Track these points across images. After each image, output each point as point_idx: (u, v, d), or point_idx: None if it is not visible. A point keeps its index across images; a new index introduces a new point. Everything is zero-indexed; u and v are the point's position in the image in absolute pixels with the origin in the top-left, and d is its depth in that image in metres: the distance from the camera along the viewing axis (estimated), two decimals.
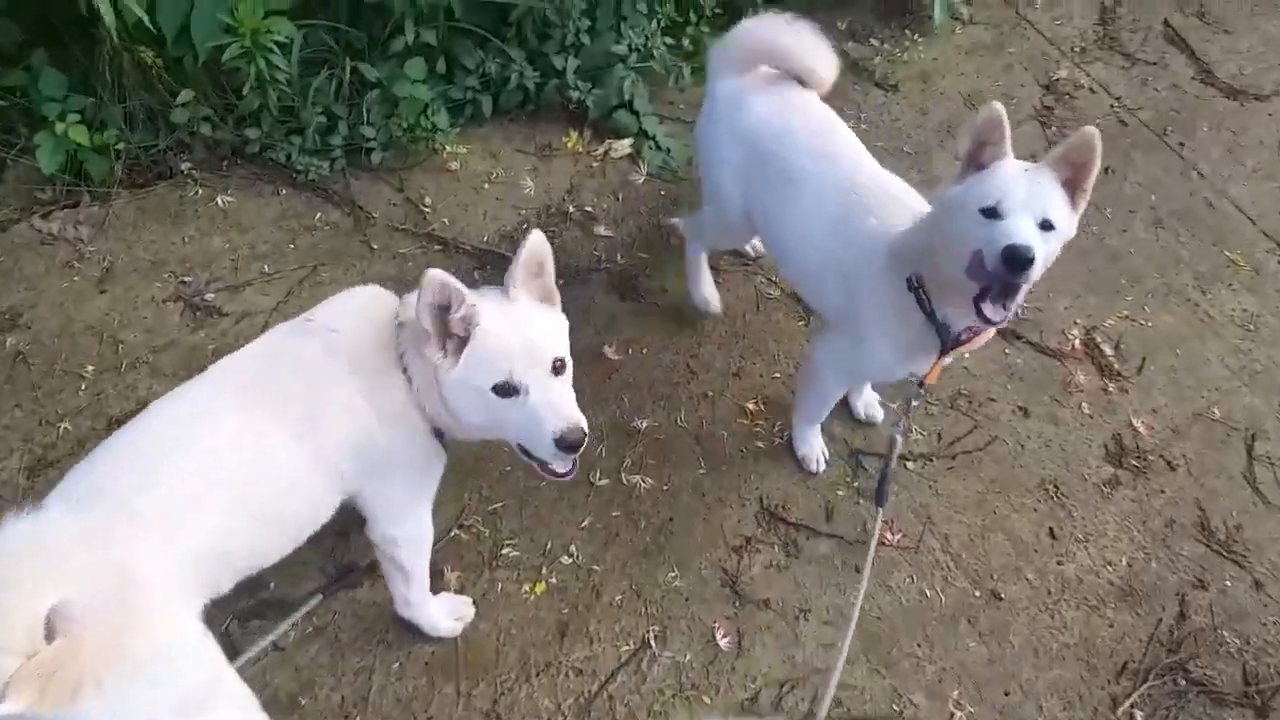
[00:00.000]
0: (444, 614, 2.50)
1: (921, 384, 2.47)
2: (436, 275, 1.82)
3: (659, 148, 3.84)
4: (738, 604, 2.72)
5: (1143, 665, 2.76)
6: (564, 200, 3.66)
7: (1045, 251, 2.14)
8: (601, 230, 3.57)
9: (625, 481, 2.89)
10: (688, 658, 2.61)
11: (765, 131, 2.70)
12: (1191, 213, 4.06)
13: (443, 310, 1.86)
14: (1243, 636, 2.87)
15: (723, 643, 2.64)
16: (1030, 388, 3.34)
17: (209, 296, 3.19)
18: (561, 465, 2.01)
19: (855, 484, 3.00)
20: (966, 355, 3.04)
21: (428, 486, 2.21)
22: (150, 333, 3.08)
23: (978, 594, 2.84)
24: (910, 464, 3.07)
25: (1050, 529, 3.00)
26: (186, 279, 3.23)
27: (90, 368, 2.94)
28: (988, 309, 2.19)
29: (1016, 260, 2.05)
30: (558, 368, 1.96)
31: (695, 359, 3.21)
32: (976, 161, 2.24)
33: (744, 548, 2.83)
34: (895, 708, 2.59)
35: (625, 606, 2.67)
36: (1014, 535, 2.97)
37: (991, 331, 2.42)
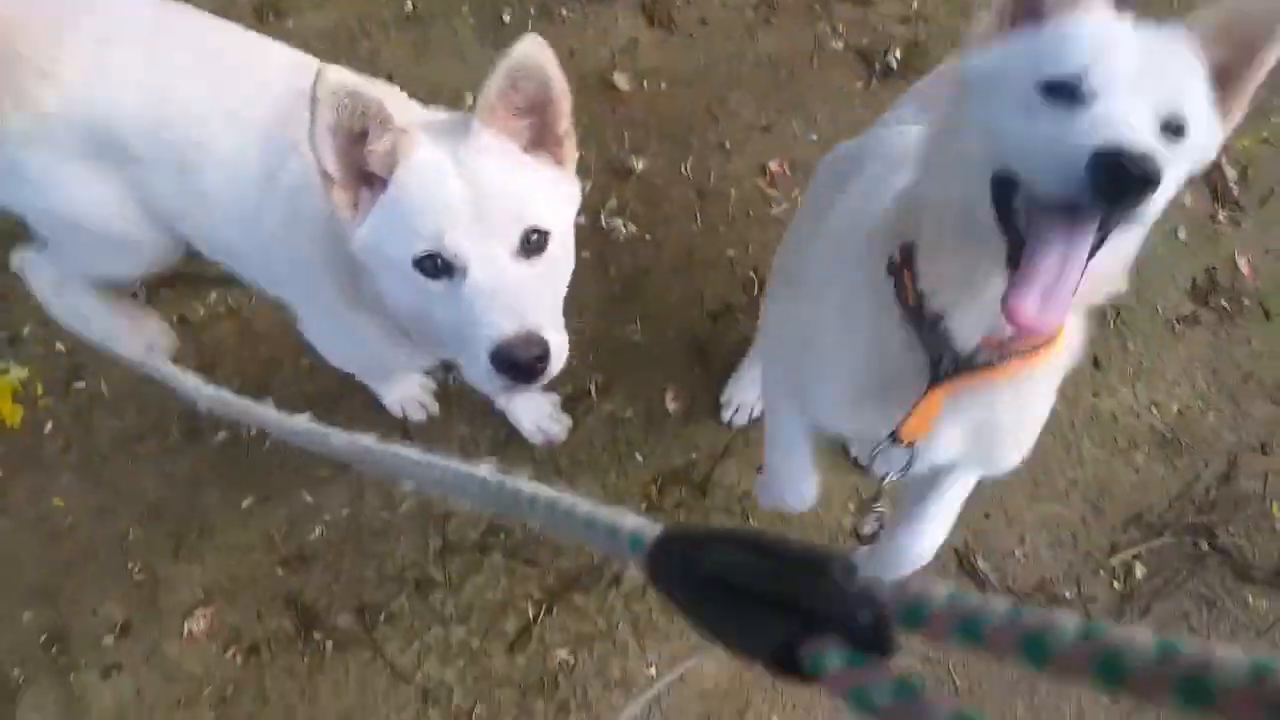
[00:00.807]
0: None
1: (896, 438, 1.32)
2: (336, 82, 1.21)
3: None
4: (698, 371, 2.43)
5: (1162, 519, 2.37)
6: None
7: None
8: None
9: (604, 224, 2.59)
10: (629, 414, 2.36)
11: None
12: None
13: (354, 139, 1.27)
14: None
15: (671, 406, 2.38)
16: None
17: None
18: (500, 392, 1.50)
19: None
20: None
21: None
22: None
23: None
24: None
25: (1095, 358, 2.57)
26: None
27: None
28: (1024, 296, 1.01)
29: (1122, 177, 0.94)
30: (530, 246, 1.34)
31: (721, 104, 2.81)
32: (1028, 13, 1.14)
33: (722, 314, 2.51)
34: None
35: (573, 351, 2.42)
36: None
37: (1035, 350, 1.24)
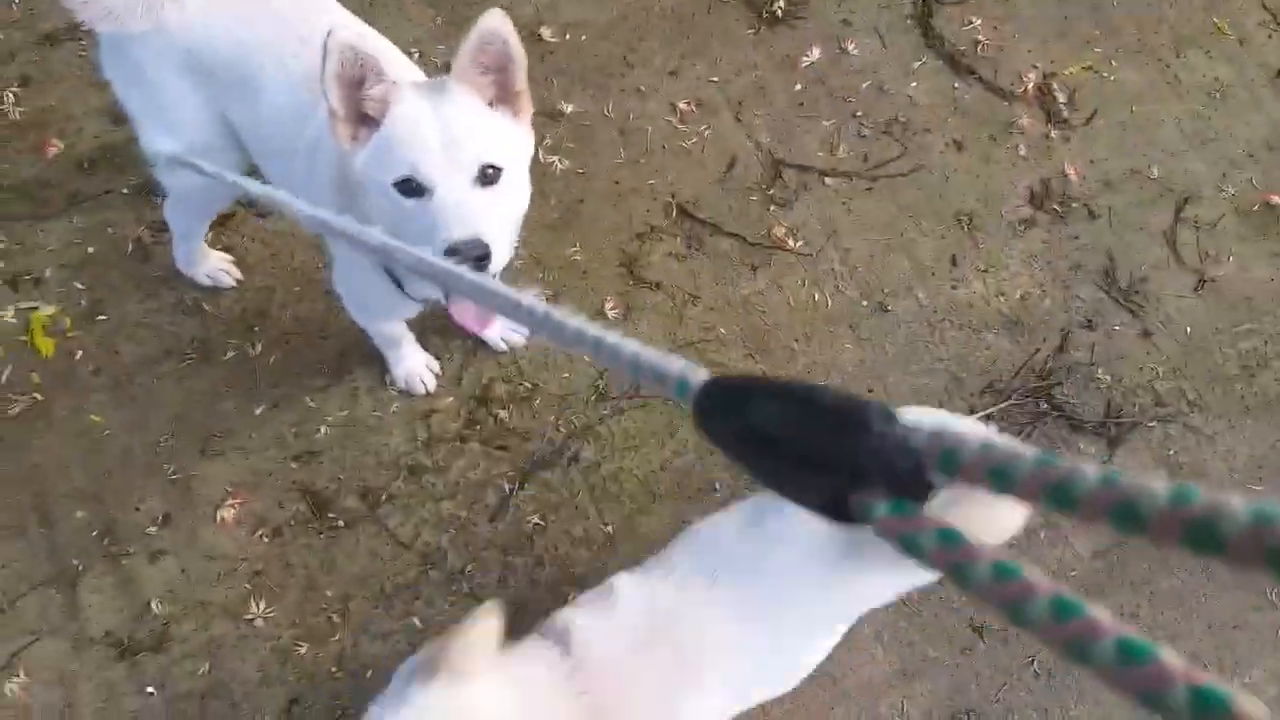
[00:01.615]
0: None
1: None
2: (342, 40, 1.55)
3: None
4: (631, 283, 2.87)
5: (1009, 386, 2.92)
6: None
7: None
8: None
9: (542, 159, 2.98)
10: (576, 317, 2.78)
11: None
12: None
13: (354, 85, 1.62)
14: (1115, 376, 3.01)
15: (610, 313, 2.81)
16: (970, 124, 3.34)
17: None
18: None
19: (770, 191, 3.08)
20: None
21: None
22: None
23: (865, 304, 2.97)
24: (829, 180, 3.14)
25: (953, 256, 3.10)
26: None
27: None
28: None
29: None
30: (486, 178, 1.67)
31: (634, 52, 3.22)
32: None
33: (648, 234, 2.95)
34: None
35: (523, 271, 2.83)
36: (915, 258, 3.07)
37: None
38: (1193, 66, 3.64)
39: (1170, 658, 0.40)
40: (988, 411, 2.86)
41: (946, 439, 0.51)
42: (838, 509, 0.54)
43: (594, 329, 0.85)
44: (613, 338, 0.82)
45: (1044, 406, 2.92)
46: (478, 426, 2.60)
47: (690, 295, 2.88)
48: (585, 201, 2.96)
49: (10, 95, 2.77)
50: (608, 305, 2.82)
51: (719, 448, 0.62)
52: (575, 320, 0.88)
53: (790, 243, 3.02)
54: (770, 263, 2.98)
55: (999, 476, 0.47)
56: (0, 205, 2.64)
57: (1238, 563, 0.38)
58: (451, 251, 1.57)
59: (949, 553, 0.48)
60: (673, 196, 3.02)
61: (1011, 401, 2.90)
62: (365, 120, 1.66)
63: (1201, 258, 3.28)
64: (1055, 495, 0.45)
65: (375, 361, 2.59)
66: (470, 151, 1.65)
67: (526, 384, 2.67)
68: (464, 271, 1.18)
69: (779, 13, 3.37)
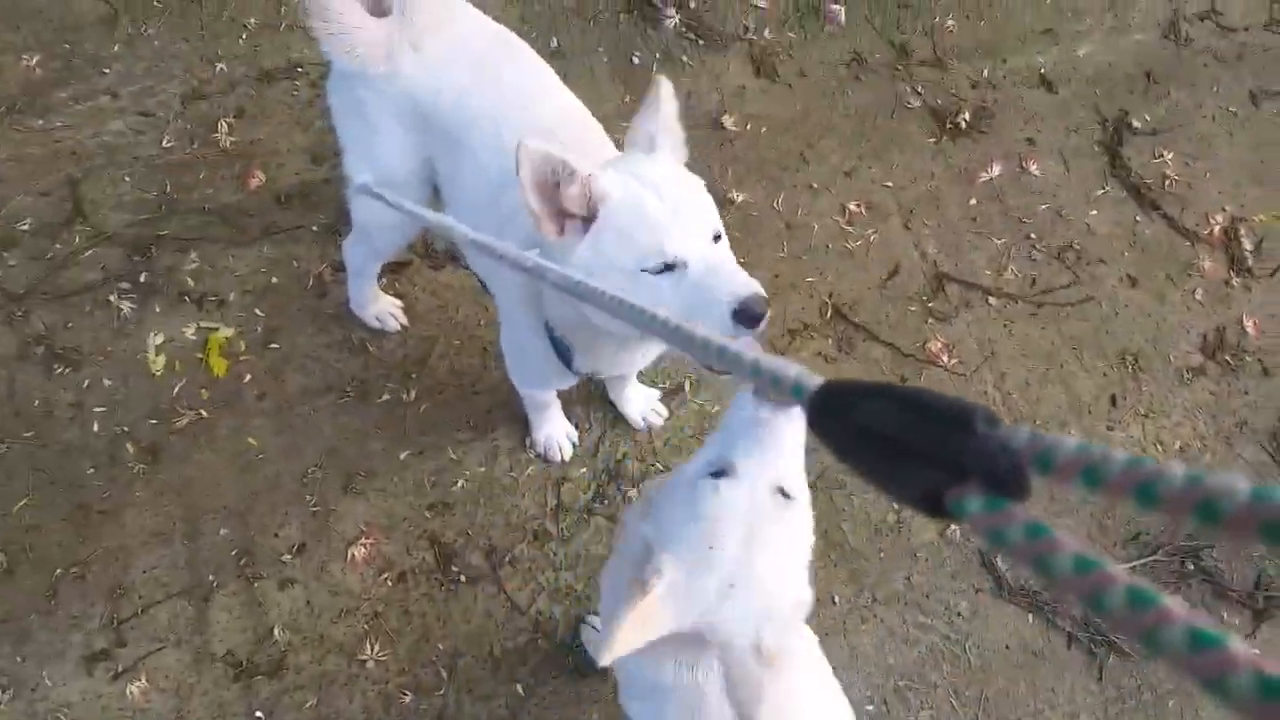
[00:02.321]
0: None
1: None
2: (532, 149, 1.54)
3: None
4: None
5: (1157, 540, 2.75)
6: None
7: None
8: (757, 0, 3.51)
9: None
10: (715, 409, 2.75)
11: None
12: None
13: (551, 188, 1.59)
14: (1274, 549, 2.80)
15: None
16: (1148, 260, 3.20)
17: None
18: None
19: (930, 304, 3.00)
20: None
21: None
22: None
23: None
24: (993, 299, 3.03)
25: (1113, 396, 2.95)
26: None
27: (254, 20, 3.17)
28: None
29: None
30: (717, 238, 1.63)
31: (812, 149, 3.20)
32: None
33: (800, 331, 2.90)
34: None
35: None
36: (1073, 392, 2.93)
37: None
38: None
39: (1238, 645, 0.41)
40: (1131, 565, 2.70)
41: (1045, 439, 0.52)
42: (934, 504, 0.56)
43: (718, 338, 0.88)
44: (734, 346, 0.85)
45: (1190, 567, 2.73)
46: (605, 500, 2.59)
47: None
48: None
49: (225, 125, 2.93)
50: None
51: (828, 446, 0.64)
52: (700, 331, 0.91)
53: (945, 359, 2.92)
54: (921, 376, 2.89)
55: (1091, 475, 0.49)
56: (201, 227, 2.78)
57: None
58: (743, 311, 1.50)
59: (1034, 545, 0.50)
60: (830, 296, 2.97)
61: (1156, 558, 2.72)
62: (567, 215, 1.64)
63: None
64: (1143, 492, 0.46)
65: (519, 423, 2.61)
66: (700, 216, 1.61)
67: (659, 464, 2.64)
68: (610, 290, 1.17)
69: (963, 124, 3.30)
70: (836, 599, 2.55)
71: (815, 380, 0.71)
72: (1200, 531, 0.58)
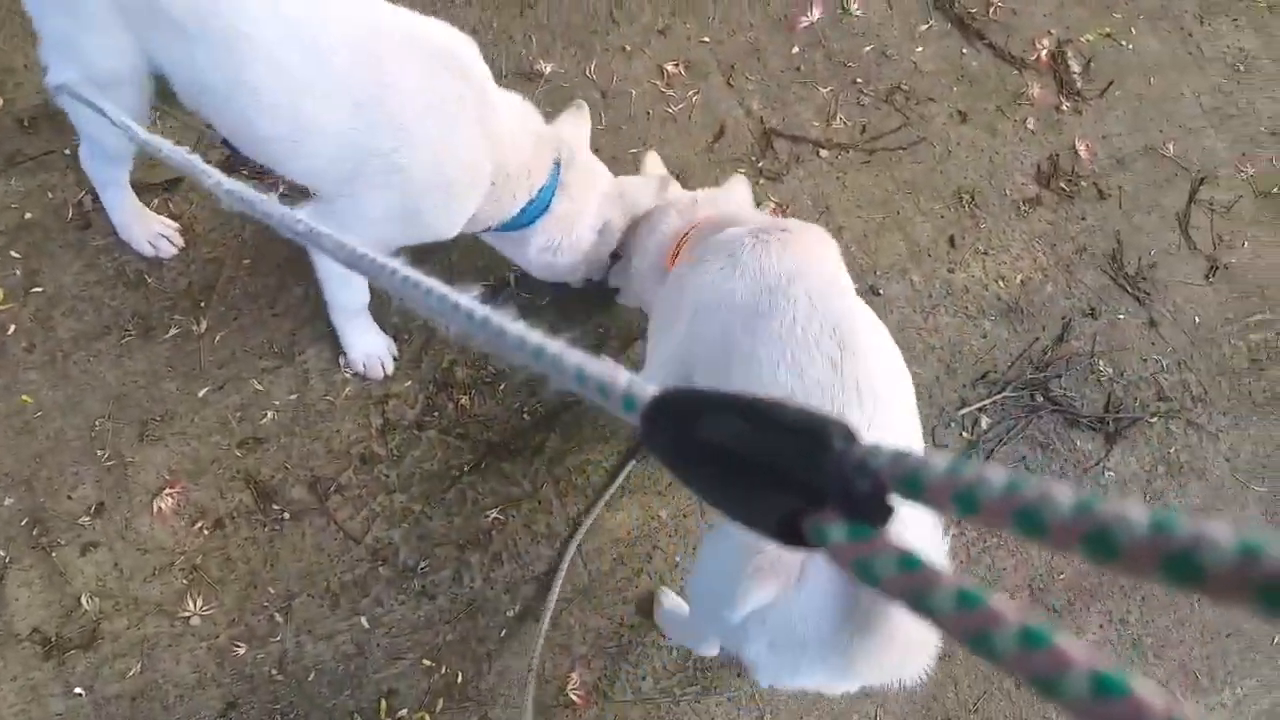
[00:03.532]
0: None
1: None
2: None
3: None
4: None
5: (1005, 377, 2.65)
6: None
7: None
8: None
9: None
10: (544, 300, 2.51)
11: None
12: None
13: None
14: (1117, 368, 2.74)
15: None
16: (977, 93, 3.02)
17: None
18: None
19: (760, 163, 2.78)
20: None
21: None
22: None
23: (856, 286, 2.67)
24: (824, 151, 2.83)
25: (951, 237, 2.80)
26: None
27: None
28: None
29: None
30: None
31: (621, 8, 2.89)
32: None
33: None
34: None
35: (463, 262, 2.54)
36: (911, 238, 2.77)
37: None
38: (1218, 35, 3.29)
39: (1145, 690, 0.35)
40: (981, 405, 2.60)
41: (910, 460, 0.46)
42: (791, 532, 0.49)
43: (536, 336, 0.73)
44: (555, 346, 0.70)
45: (1040, 399, 2.65)
46: (436, 413, 2.35)
47: None
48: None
49: None
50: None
51: (666, 466, 0.56)
52: (516, 326, 0.74)
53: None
54: None
55: (965, 500, 0.43)
56: None
57: (1220, 597, 0.35)
58: None
59: (908, 580, 0.44)
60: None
61: (1006, 394, 2.63)
62: None
63: (1215, 243, 2.98)
64: (1025, 521, 0.41)
65: (329, 341, 2.33)
66: None
67: (491, 368, 2.40)
68: (399, 267, 0.91)
69: None
70: None
71: (648, 391, 0.60)
72: (1092, 562, 0.39)
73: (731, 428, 0.52)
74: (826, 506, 0.47)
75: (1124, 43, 3.20)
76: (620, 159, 2.70)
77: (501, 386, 2.39)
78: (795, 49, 2.94)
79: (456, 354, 2.40)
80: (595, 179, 2.18)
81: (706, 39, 2.91)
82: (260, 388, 2.29)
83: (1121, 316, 2.80)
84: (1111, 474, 2.64)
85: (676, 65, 2.85)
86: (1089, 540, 0.38)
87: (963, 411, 2.58)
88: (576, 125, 2.26)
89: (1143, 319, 2.81)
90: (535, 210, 2.10)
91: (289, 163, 1.85)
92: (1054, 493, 0.40)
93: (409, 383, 2.36)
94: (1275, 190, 3.08)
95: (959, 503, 0.43)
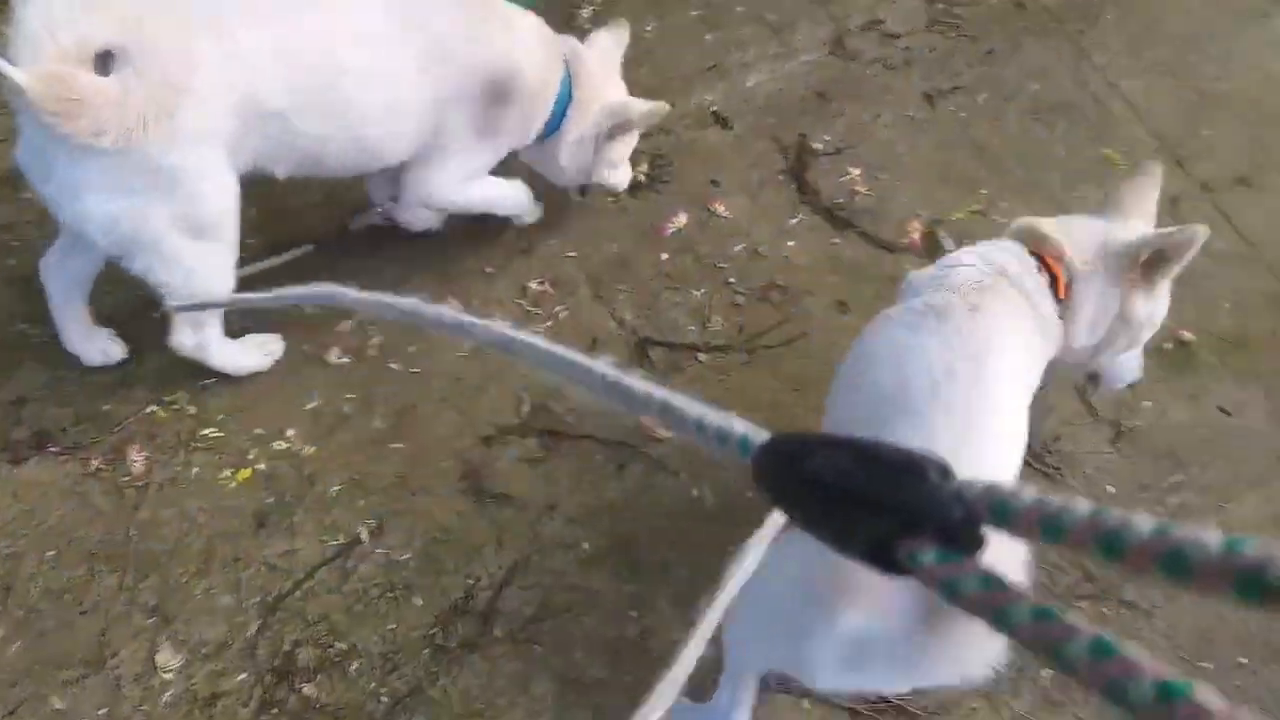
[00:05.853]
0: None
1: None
2: None
3: None
4: (473, 499, 2.23)
5: None
6: None
7: None
8: None
9: (366, 356, 2.38)
10: (406, 556, 2.14)
11: None
12: (1075, 106, 3.42)
13: None
14: (1039, 551, 2.40)
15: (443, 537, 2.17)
16: (854, 281, 2.79)
17: None
18: None
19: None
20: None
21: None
22: None
23: (751, 496, 2.35)
24: (702, 356, 2.55)
25: None
26: None
27: None
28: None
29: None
30: None
31: (480, 237, 2.64)
32: None
33: (495, 438, 2.32)
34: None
35: (340, 499, 2.18)
36: None
37: None
38: (1086, 199, 3.13)
39: (1208, 696, 0.36)
40: None
41: (1000, 491, 0.47)
42: (884, 556, 0.49)
43: (660, 390, 0.70)
44: (680, 399, 0.69)
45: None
46: (275, 710, 1.92)
47: (546, 507, 2.25)
48: (418, 406, 2.34)
49: None
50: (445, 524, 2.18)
51: (773, 501, 0.57)
52: (641, 383, 0.71)
53: (661, 432, 2.40)
54: (639, 459, 2.36)
55: (1051, 527, 0.45)
56: None
57: None
58: None
59: (989, 596, 0.45)
60: (525, 390, 2.41)
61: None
62: None
63: (1117, 407, 2.72)
64: (1107, 544, 0.42)
65: (144, 640, 1.91)
66: None
67: (339, 645, 2.00)
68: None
69: (642, 178, 2.83)
70: None
71: (762, 435, 0.61)
72: (1168, 585, 0.38)
73: (834, 462, 0.53)
74: (922, 534, 0.48)
75: (995, 217, 3.03)
76: (484, 387, 2.39)
77: (353, 666, 1.98)
78: (664, 255, 2.70)
79: (299, 632, 1.99)
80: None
81: (572, 254, 2.67)
82: (60, 707, 1.85)
83: None
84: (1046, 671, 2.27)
85: (541, 283, 2.60)
86: (1164, 562, 0.40)
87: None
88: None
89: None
90: (560, 109, 2.37)
91: (387, 152, 2.13)
92: (1135, 519, 0.42)
93: (242, 675, 1.93)
94: (1168, 346, 2.85)
95: (1045, 529, 0.45)
